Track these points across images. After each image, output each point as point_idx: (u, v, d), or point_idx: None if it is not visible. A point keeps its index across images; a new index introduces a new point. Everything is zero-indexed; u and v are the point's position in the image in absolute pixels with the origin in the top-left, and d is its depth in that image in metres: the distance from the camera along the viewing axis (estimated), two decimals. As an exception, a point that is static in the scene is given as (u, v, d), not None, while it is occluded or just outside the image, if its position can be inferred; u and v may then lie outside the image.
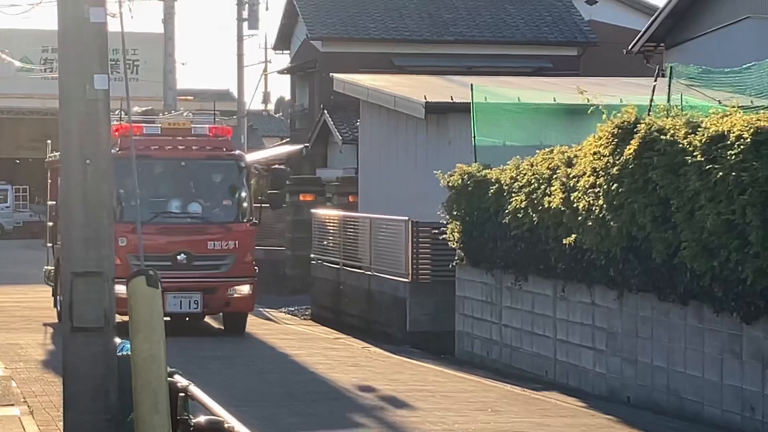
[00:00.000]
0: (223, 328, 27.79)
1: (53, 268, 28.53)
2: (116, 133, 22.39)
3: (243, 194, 24.52)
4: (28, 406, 16.78)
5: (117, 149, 21.35)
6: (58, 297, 26.33)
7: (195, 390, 10.02)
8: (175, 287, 22.61)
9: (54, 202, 29.56)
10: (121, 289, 19.40)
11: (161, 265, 20.47)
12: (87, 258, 10.14)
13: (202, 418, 8.73)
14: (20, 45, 55.30)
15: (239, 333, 26.37)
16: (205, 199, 24.39)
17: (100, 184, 10.15)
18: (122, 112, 26.05)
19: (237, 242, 23.71)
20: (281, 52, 58.33)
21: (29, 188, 61.33)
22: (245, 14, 53.13)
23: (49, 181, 32.04)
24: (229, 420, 8.69)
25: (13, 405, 16.85)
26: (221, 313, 27.30)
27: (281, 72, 61.77)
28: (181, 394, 9.77)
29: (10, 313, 27.27)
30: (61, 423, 10.40)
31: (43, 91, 44.80)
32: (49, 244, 31.17)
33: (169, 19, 44.30)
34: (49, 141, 31.94)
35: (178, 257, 22.85)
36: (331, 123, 45.27)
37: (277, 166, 28.58)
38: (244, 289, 23.98)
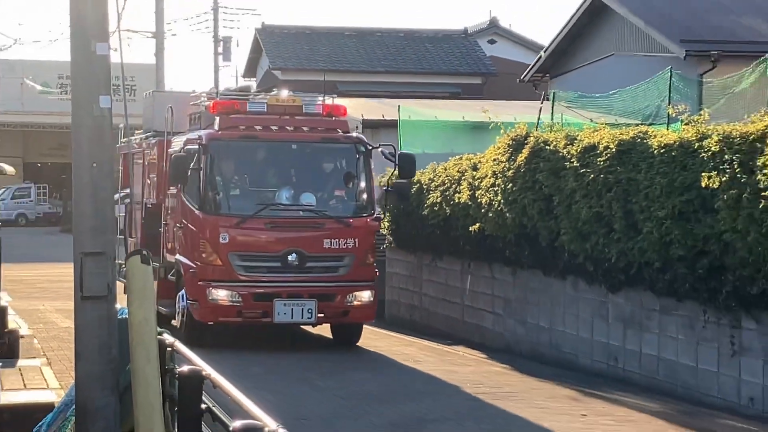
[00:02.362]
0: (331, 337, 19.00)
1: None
2: (213, 110, 17.50)
3: (363, 183, 17.16)
4: (47, 359, 16.68)
5: (215, 129, 17.10)
6: None
7: (179, 345, 9.98)
8: (285, 293, 16.12)
9: (126, 192, 23.02)
10: (221, 294, 16.36)
11: (269, 267, 16.51)
12: (94, 242, 10.06)
13: (185, 368, 8.67)
14: (41, 73, 54.94)
15: (351, 344, 18.18)
16: (320, 189, 17.09)
17: (105, 182, 10.10)
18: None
19: (357, 240, 16.59)
20: (249, 79, 58.10)
21: (48, 186, 60.87)
22: (221, 50, 53.17)
23: (122, 170, 23.49)
24: (206, 369, 8.64)
25: (35, 357, 16.73)
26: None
27: (249, 95, 61.49)
28: (168, 349, 9.72)
29: (32, 285, 26.90)
30: (73, 372, 10.31)
31: (60, 109, 44.32)
32: (120, 236, 23.22)
33: (160, 53, 44.24)
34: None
35: (289, 257, 16.05)
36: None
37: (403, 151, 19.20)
38: (365, 296, 16.70)
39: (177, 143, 18.07)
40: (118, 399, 9.97)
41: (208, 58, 55.92)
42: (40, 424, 12.00)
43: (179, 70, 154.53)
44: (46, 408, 12.61)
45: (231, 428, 6.62)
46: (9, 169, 19.63)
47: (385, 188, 19.07)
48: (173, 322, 18.01)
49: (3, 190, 58.53)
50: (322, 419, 12.48)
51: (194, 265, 16.59)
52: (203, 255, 16.42)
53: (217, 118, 17.10)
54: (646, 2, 34.08)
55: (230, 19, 68.40)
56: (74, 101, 10.05)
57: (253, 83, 46.46)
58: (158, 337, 9.03)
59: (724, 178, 13.28)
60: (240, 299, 16.11)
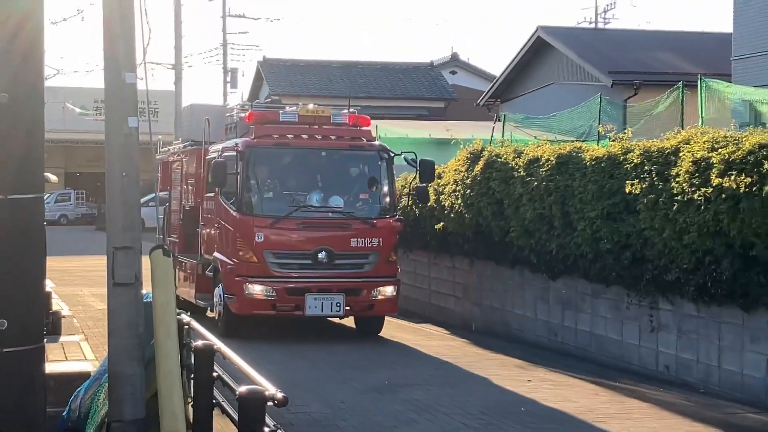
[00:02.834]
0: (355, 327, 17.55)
1: None
2: (248, 120, 16.42)
3: (386, 187, 16.07)
4: (85, 335, 16.60)
5: (251, 137, 15.94)
6: None
7: (195, 324, 9.97)
8: (316, 288, 15.13)
9: (165, 195, 21.77)
10: (257, 289, 15.33)
11: (301, 264, 15.41)
12: (124, 238, 10.02)
13: (199, 342, 8.67)
14: (80, 98, 54.80)
15: (374, 335, 16.79)
16: (347, 192, 16.02)
17: (133, 189, 10.06)
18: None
19: (381, 239, 15.54)
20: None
21: (85, 192, 60.74)
22: (229, 79, 53.03)
23: (160, 176, 22.22)
24: (217, 343, 8.63)
25: (75, 334, 16.66)
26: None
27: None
28: (186, 327, 9.70)
29: (72, 273, 26.79)
30: (107, 346, 10.26)
31: (95, 128, 44.09)
32: (158, 236, 21.13)
33: (178, 81, 44.04)
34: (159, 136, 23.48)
35: (319, 255, 15.05)
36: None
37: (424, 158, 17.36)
38: (389, 290, 15.65)
39: (214, 151, 17.13)
40: (144, 368, 9.95)
41: (218, 86, 55.93)
42: (78, 389, 11.97)
43: (194, 96, 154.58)
44: (83, 376, 12.59)
45: (237, 392, 6.62)
46: (53, 177, 19.35)
47: (408, 192, 18.24)
48: (209, 314, 17.36)
49: (48, 194, 58.28)
50: (313, 384, 12.48)
51: (231, 262, 15.56)
52: (240, 253, 15.40)
53: (253, 127, 16.08)
54: (580, 40, 34.31)
55: (237, 54, 68.39)
56: (107, 121, 10.04)
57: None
58: (177, 317, 9.02)
59: (644, 185, 13.35)
60: (274, 293, 15.11)
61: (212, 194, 16.76)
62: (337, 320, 17.36)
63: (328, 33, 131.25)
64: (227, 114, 18.48)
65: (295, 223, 15.36)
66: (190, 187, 18.94)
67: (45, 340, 5.83)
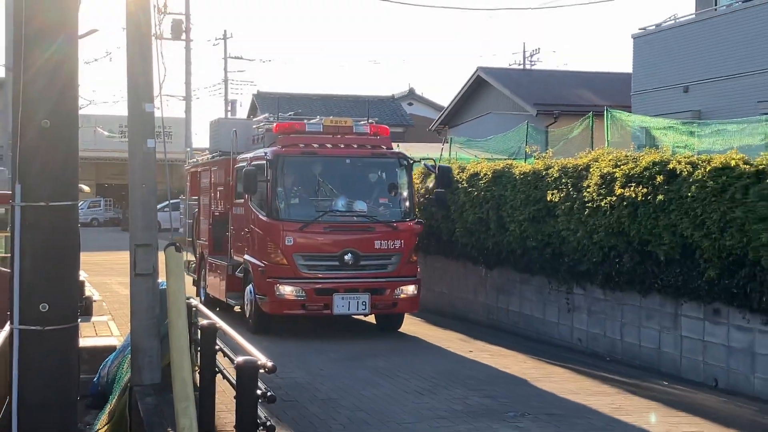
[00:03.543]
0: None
1: (195, 260, 18.72)
2: (276, 130, 14.64)
3: (406, 192, 14.30)
4: (112, 316, 16.52)
5: (279, 146, 14.11)
6: (201, 287, 17.87)
7: (200, 306, 9.91)
8: (343, 287, 13.38)
9: (194, 202, 19.65)
10: (287, 290, 13.43)
11: (328, 265, 13.58)
12: (144, 237, 9.97)
13: (204, 322, 8.63)
14: (108, 123, 54.52)
15: (394, 331, 14.86)
16: (370, 197, 14.17)
17: (151, 197, 10.02)
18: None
19: (403, 241, 13.73)
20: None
21: (113, 200, 60.31)
22: (229, 108, 52.75)
23: (189, 184, 20.59)
24: (219, 322, 8.59)
25: (103, 315, 16.57)
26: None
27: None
28: (193, 309, 9.66)
29: (102, 266, 26.63)
30: (129, 324, 10.21)
31: (120, 148, 43.67)
32: (189, 239, 20.01)
33: (188, 111, 43.78)
34: (188, 149, 20.05)
35: (345, 257, 13.29)
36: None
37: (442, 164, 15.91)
38: (411, 289, 13.85)
39: (242, 160, 15.24)
40: (160, 343, 9.90)
41: (221, 115, 55.75)
42: (106, 359, 11.91)
43: (201, 122, 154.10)
44: (110, 349, 12.55)
45: (235, 362, 6.60)
46: (86, 188, 19.11)
47: (427, 196, 16.26)
48: (236, 308, 15.81)
49: (82, 202, 57.83)
50: (298, 355, 12.45)
51: (263, 264, 13.71)
52: (271, 255, 13.61)
53: (280, 137, 14.29)
54: (511, 78, 34.46)
55: (236, 88, 68.01)
56: (130, 142, 9.99)
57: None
58: (186, 301, 8.97)
59: (561, 195, 13.41)
60: (304, 294, 13.33)
61: (241, 200, 15.08)
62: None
63: (310, 71, 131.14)
64: (254, 126, 16.70)
65: (322, 227, 13.56)
66: (218, 194, 17.07)
67: (79, 320, 5.78)
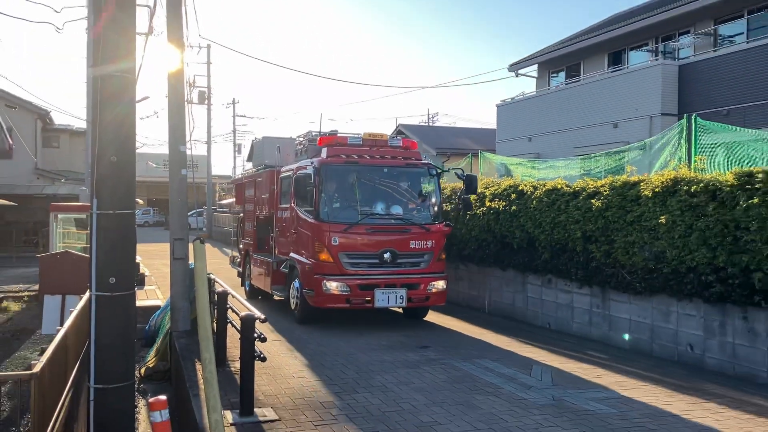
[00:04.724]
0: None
1: (240, 256, 15.77)
2: (320, 143, 11.75)
3: (435, 198, 11.53)
4: (158, 286, 16.22)
5: (324, 156, 11.31)
6: (246, 281, 14.73)
7: (217, 279, 9.79)
8: (383, 283, 10.65)
9: (239, 208, 16.67)
10: (333, 285, 10.30)
11: (369, 263, 10.74)
12: (179, 233, 9.81)
13: (219, 289, 8.54)
14: (156, 159, 53.51)
15: (420, 319, 11.93)
16: (404, 203, 11.41)
17: (184, 208, 9.86)
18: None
19: (434, 241, 10.97)
20: (248, 162, 57.34)
21: (158, 209, 59.14)
22: (237, 149, 52.00)
23: (235, 194, 17.49)
24: (231, 291, 8.50)
25: (152, 285, 16.26)
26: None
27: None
28: (213, 281, 9.54)
29: (151, 252, 26.04)
30: (169, 291, 10.02)
31: (163, 175, 42.89)
32: (234, 238, 17.69)
33: (209, 151, 42.77)
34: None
35: (385, 255, 10.63)
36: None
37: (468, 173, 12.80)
38: (441, 284, 11.01)
39: (287, 170, 12.43)
40: (190, 303, 9.77)
41: (229, 154, 55.05)
42: (154, 314, 11.70)
43: (217, 159, 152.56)
44: (156, 307, 12.33)
45: (240, 315, 6.55)
46: (140, 201, 18.71)
47: (456, 201, 12.75)
48: (275, 297, 12.95)
49: (138, 210, 56.66)
50: (299, 336, 10.15)
51: (310, 262, 10.77)
52: (317, 254, 10.65)
53: (325, 148, 11.37)
54: (421, 130, 34.56)
55: (241, 136, 67.07)
56: (170, 171, 9.86)
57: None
58: (208, 276, 8.86)
59: (451, 207, 13.26)
60: (348, 289, 10.47)
61: (286, 205, 12.14)
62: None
63: (291, 124, 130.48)
64: (296, 143, 13.57)
65: (364, 229, 10.65)
66: (263, 201, 13.93)
67: (136, 288, 5.71)
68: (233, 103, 51.92)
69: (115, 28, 5.37)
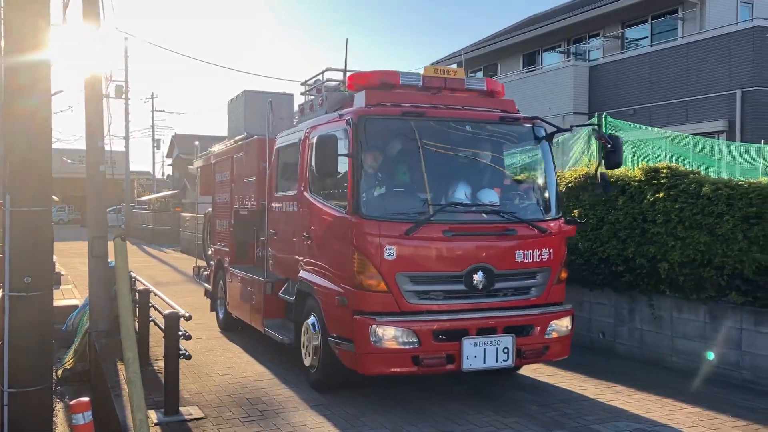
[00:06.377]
0: None
1: (209, 267, 10.45)
2: (350, 86, 6.18)
3: (548, 177, 5.47)
4: (75, 285, 15.59)
5: (363, 104, 5.78)
6: (218, 306, 9.84)
7: (138, 277, 9.51)
8: (474, 327, 4.94)
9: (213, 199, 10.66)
10: (390, 333, 5.45)
11: (449, 291, 5.43)
12: (98, 231, 9.44)
13: (140, 287, 8.29)
14: (72, 155, 51.48)
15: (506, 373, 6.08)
16: (501, 185, 5.31)
17: (102, 204, 9.47)
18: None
19: (551, 250, 5.13)
20: (168, 157, 56.02)
21: (73, 206, 56.69)
22: (156, 145, 50.41)
23: (200, 180, 11.87)
24: (150, 288, 8.30)
25: (69, 284, 15.62)
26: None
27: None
28: (134, 279, 9.27)
29: (67, 251, 24.98)
30: (88, 290, 9.62)
31: (80, 171, 41.25)
32: (199, 243, 12.39)
33: (127, 147, 41.26)
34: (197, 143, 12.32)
35: (475, 277, 4.81)
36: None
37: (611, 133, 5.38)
38: (565, 324, 5.13)
39: (287, 138, 7.33)
40: (110, 302, 9.45)
41: (148, 150, 53.44)
42: (72, 314, 11.28)
43: (136, 155, 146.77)
44: (74, 307, 11.90)
45: (163, 314, 6.39)
46: (56, 198, 17.88)
47: (590, 180, 7.20)
48: (271, 336, 7.38)
49: (55, 208, 54.28)
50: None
51: (341, 290, 5.70)
52: (358, 276, 5.47)
53: (363, 93, 5.95)
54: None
55: (160, 130, 65.13)
56: (87, 167, 9.53)
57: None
58: (129, 274, 8.59)
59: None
60: (416, 339, 5.38)
61: (289, 192, 7.04)
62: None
63: (213, 120, 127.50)
64: (305, 90, 7.89)
65: (439, 230, 5.49)
66: (245, 187, 8.76)
67: (53, 287, 5.49)
68: (152, 97, 50.45)
69: (26, 17, 5.13)
